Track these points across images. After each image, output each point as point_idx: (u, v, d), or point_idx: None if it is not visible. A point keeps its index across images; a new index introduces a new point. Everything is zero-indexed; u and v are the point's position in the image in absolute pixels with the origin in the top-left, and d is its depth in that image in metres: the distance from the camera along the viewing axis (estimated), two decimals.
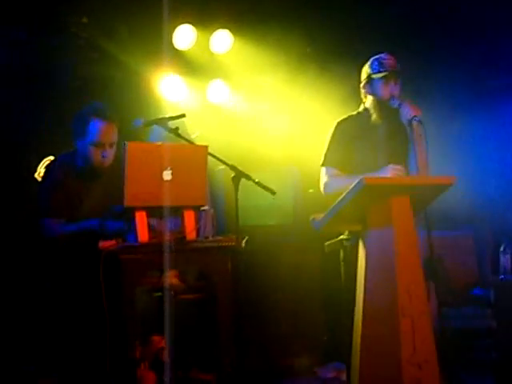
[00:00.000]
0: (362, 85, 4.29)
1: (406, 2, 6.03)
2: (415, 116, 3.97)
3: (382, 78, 4.16)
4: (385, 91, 4.17)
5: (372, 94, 4.24)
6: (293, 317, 5.66)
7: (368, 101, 4.29)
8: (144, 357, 3.84)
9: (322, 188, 4.27)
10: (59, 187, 4.15)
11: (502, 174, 6.20)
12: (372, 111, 4.26)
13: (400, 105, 4.06)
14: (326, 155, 4.27)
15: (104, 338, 3.61)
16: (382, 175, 4.03)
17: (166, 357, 3.85)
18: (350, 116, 4.32)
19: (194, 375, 3.98)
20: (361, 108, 4.35)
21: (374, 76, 4.19)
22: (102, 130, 4.14)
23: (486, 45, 6.06)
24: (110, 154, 4.19)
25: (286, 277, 5.65)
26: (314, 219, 3.87)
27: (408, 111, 4.01)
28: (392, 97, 4.14)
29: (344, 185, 3.88)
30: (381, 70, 4.16)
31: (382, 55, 4.23)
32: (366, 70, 4.25)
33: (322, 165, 4.28)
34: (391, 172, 4.03)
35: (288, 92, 6.07)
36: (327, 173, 4.24)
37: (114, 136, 4.20)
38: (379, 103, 4.21)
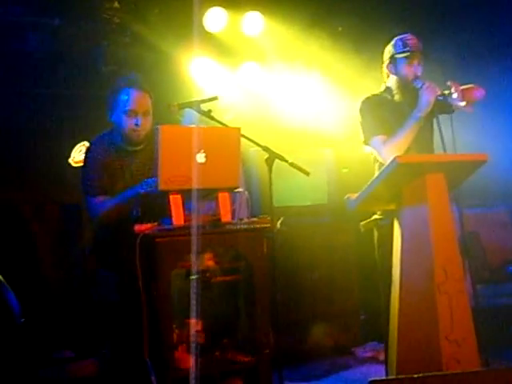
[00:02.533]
0: (384, 64, 4.27)
1: None
2: (439, 95, 3.98)
3: (405, 57, 4.15)
4: (408, 71, 4.15)
5: (395, 73, 4.21)
6: (329, 296, 5.66)
7: (391, 80, 4.27)
8: (181, 340, 3.86)
9: (382, 158, 4.08)
10: (100, 166, 4.12)
11: None
12: (395, 91, 4.24)
13: (422, 85, 4.03)
14: (367, 129, 4.18)
15: (141, 321, 3.64)
16: (424, 100, 3.99)
17: (203, 339, 3.88)
18: (373, 95, 4.29)
19: (232, 357, 3.99)
20: (382, 88, 4.33)
21: (397, 56, 4.17)
22: (134, 98, 4.12)
23: None
24: (145, 123, 4.15)
25: (322, 256, 5.65)
26: (348, 198, 3.85)
27: (428, 93, 3.99)
28: (416, 77, 4.12)
29: (401, 137, 3.98)
30: (405, 49, 4.15)
31: (406, 35, 4.21)
32: (389, 50, 4.24)
33: (367, 139, 4.16)
34: (429, 91, 3.99)
35: (321, 73, 6.05)
36: (379, 142, 4.10)
37: (146, 105, 4.17)
38: (402, 83, 4.19)
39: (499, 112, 5.77)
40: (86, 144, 4.71)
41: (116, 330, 3.96)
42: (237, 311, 4.07)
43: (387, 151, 4.00)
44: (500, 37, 6.12)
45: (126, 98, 4.12)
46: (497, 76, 5.74)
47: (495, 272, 5.55)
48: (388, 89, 4.29)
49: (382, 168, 3.73)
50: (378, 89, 4.36)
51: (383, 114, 4.17)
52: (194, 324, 3.84)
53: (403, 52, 4.15)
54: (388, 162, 3.67)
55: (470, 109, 4.07)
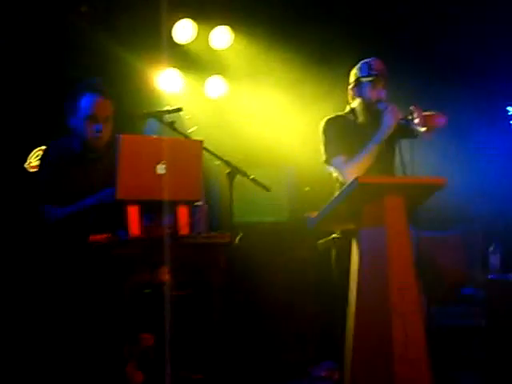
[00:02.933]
0: (350, 87, 4.34)
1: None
2: (401, 119, 4.05)
3: (370, 81, 4.22)
4: (372, 94, 4.22)
5: (360, 96, 4.28)
6: (286, 315, 5.64)
7: (355, 103, 4.33)
8: (132, 355, 3.79)
9: (342, 178, 4.16)
10: (56, 172, 4.04)
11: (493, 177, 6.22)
12: (359, 113, 4.30)
13: (385, 108, 4.09)
14: (329, 149, 4.23)
15: (91, 335, 3.57)
16: (386, 123, 4.05)
17: (154, 355, 3.81)
18: (337, 115, 4.36)
19: (184, 374, 3.93)
20: (347, 109, 4.39)
21: (362, 79, 4.24)
22: (95, 104, 4.03)
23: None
24: (105, 129, 4.07)
25: (280, 274, 5.64)
26: (308, 217, 3.86)
27: (390, 116, 4.04)
28: (379, 100, 4.18)
29: (362, 158, 4.04)
30: (369, 73, 4.22)
31: (371, 59, 4.28)
32: (354, 73, 4.30)
33: (328, 158, 4.22)
34: (392, 115, 4.05)
35: (286, 90, 6.06)
36: (340, 162, 4.17)
37: (107, 110, 4.09)
38: (366, 106, 4.26)
39: (459, 138, 5.84)
40: (43, 149, 4.60)
41: (64, 343, 3.88)
42: (191, 327, 4.02)
43: (348, 171, 4.08)
44: (465, 63, 6.20)
45: (88, 103, 4.04)
46: (458, 102, 5.81)
47: (449, 294, 5.61)
48: (352, 110, 4.35)
49: (343, 188, 3.75)
50: (343, 109, 4.42)
51: (346, 134, 4.23)
52: (146, 339, 3.78)
53: (368, 76, 4.22)
54: (349, 182, 3.69)
55: (428, 136, 4.11)
